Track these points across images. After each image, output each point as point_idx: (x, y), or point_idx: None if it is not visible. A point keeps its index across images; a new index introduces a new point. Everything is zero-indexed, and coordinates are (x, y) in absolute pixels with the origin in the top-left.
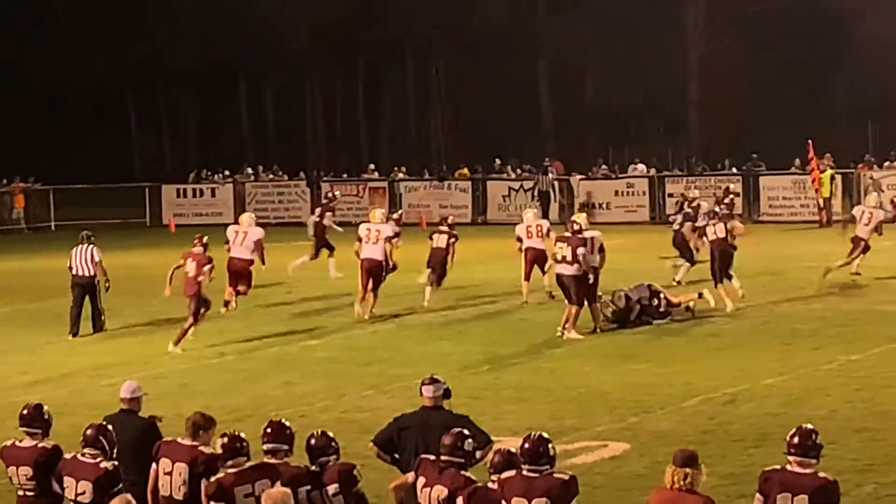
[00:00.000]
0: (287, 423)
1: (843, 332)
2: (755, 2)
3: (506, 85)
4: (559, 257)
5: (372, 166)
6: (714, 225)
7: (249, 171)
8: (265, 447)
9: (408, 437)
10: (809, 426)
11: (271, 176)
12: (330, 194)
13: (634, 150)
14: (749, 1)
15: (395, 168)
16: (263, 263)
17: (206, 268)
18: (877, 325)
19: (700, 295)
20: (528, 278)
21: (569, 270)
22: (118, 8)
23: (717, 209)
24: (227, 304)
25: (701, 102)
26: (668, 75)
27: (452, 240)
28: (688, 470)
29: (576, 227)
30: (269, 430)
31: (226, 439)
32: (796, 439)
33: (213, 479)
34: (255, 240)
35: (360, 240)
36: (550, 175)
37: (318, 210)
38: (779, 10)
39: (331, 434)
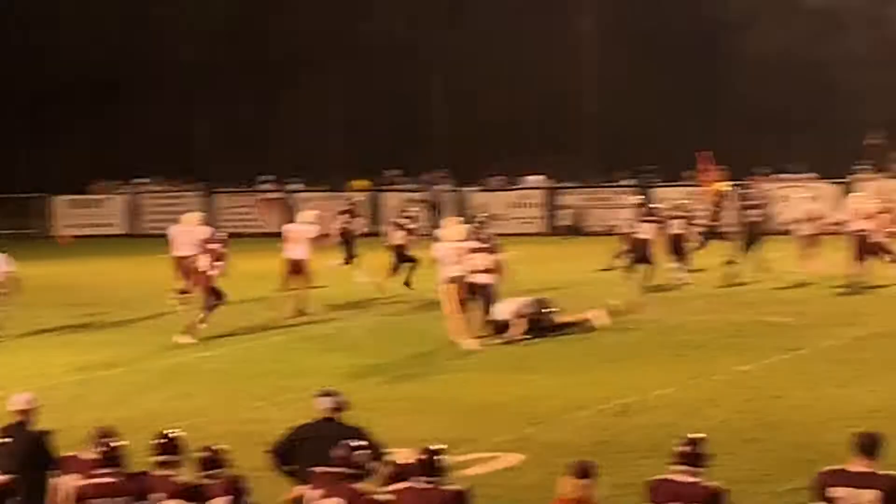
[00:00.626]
0: (177, 435)
1: (733, 342)
2: (648, 16)
3: (400, 96)
4: (477, 267)
5: (266, 177)
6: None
7: (143, 181)
8: (156, 459)
9: (303, 449)
10: (698, 435)
11: (165, 186)
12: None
13: (529, 162)
14: (642, 14)
15: (289, 179)
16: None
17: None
18: (766, 335)
19: (587, 320)
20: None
21: (484, 279)
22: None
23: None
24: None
25: (595, 115)
26: (563, 88)
27: (412, 236)
28: (583, 481)
29: (484, 235)
30: (159, 442)
31: (104, 448)
32: (685, 449)
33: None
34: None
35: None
36: (443, 186)
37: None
38: (670, 23)
39: (221, 446)
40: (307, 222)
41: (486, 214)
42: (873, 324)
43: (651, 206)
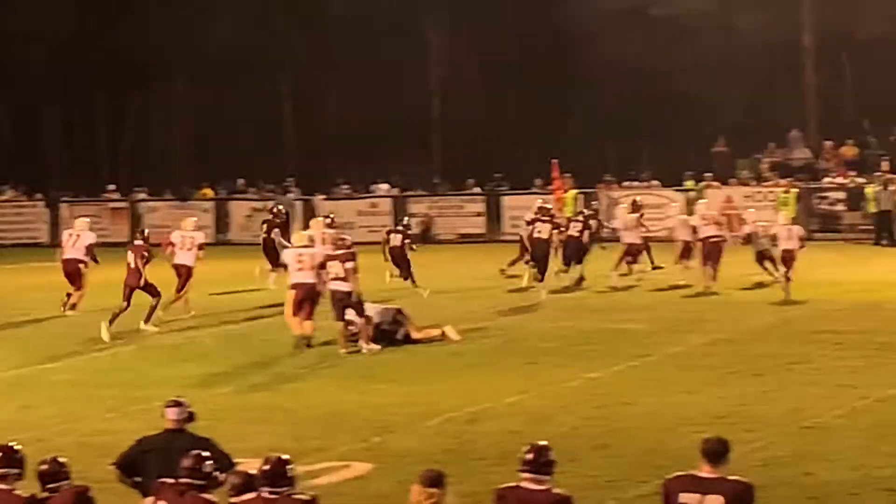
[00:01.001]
0: (17, 447)
1: (583, 350)
2: (496, 22)
3: (248, 105)
4: (333, 275)
5: (112, 186)
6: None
7: None
8: None
9: (150, 461)
10: (542, 443)
11: (9, 195)
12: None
13: (377, 170)
14: (490, 23)
15: (136, 188)
16: (96, 262)
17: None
18: (616, 343)
19: (443, 334)
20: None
21: (343, 287)
22: None
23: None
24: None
25: (444, 123)
26: (411, 96)
27: (408, 240)
28: (433, 490)
29: (341, 242)
30: None
31: None
32: (530, 456)
33: None
34: (87, 244)
35: (173, 245)
36: (290, 195)
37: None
38: (520, 31)
39: (62, 459)
40: (192, 230)
41: (330, 217)
42: (718, 330)
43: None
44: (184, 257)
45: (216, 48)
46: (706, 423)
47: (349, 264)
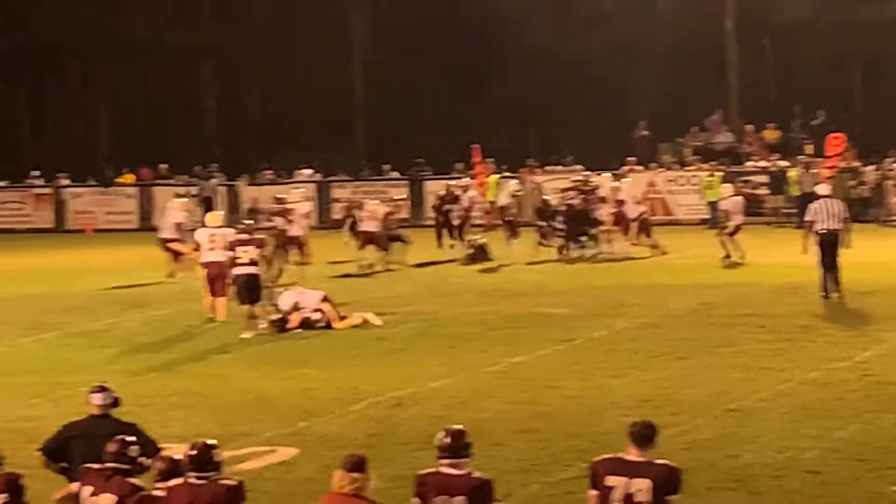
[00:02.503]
0: None
1: (506, 334)
2: (416, 8)
3: (170, 90)
4: (245, 260)
5: (37, 172)
6: None
7: None
8: None
9: (76, 446)
10: (457, 427)
11: None
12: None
13: (300, 156)
14: (412, 7)
15: (59, 174)
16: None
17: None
18: (539, 327)
19: (364, 321)
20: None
21: (251, 271)
22: None
23: None
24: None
25: (366, 108)
26: (333, 80)
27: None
28: (356, 475)
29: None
30: None
31: None
32: (446, 441)
33: None
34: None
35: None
36: (213, 181)
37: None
38: (441, 16)
39: None
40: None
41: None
42: (642, 314)
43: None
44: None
45: (136, 32)
46: (631, 407)
47: (260, 250)
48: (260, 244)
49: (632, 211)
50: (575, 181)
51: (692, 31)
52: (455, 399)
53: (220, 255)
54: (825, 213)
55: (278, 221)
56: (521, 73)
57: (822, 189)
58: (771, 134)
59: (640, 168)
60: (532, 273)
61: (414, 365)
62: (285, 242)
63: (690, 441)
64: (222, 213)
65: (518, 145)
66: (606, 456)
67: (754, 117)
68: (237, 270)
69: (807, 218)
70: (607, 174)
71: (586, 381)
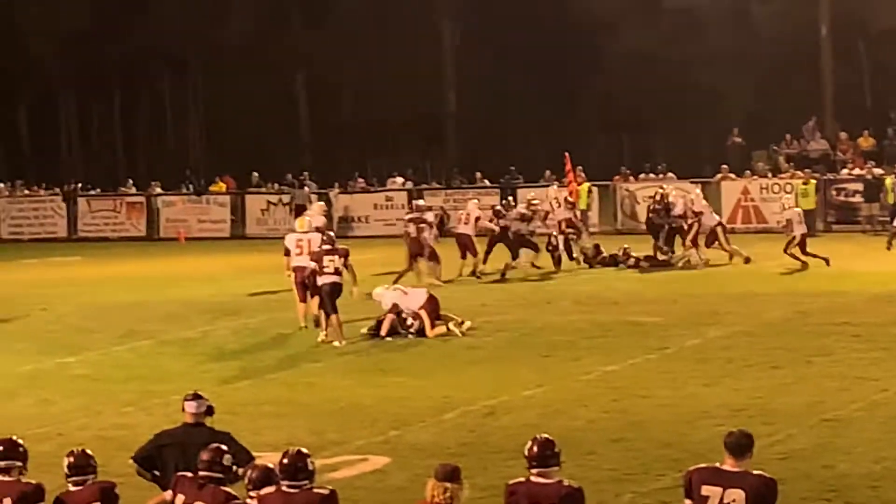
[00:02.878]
0: (20, 441)
1: (599, 342)
2: (510, 16)
3: (263, 98)
4: (330, 269)
5: (130, 181)
6: None
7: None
8: None
9: (168, 454)
10: (544, 436)
11: (26, 192)
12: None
13: (392, 164)
14: (504, 15)
15: (152, 182)
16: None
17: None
18: (632, 335)
19: (448, 331)
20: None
21: (335, 279)
22: None
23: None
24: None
25: (458, 116)
26: (426, 89)
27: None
28: (448, 484)
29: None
30: (0, 448)
31: None
32: (534, 450)
33: None
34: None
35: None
36: (307, 189)
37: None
38: (533, 24)
39: (89, 452)
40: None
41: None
42: (736, 323)
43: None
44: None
45: (230, 43)
46: (724, 416)
47: (344, 259)
48: (345, 254)
49: (709, 220)
50: (649, 197)
51: (787, 37)
52: (547, 408)
53: (309, 261)
54: None
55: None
56: (614, 80)
57: None
58: (866, 141)
59: (733, 175)
60: (626, 281)
61: (506, 373)
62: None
63: (785, 451)
64: (309, 219)
65: (611, 153)
66: (702, 465)
67: (849, 124)
68: (322, 280)
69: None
70: (690, 185)
71: (679, 389)
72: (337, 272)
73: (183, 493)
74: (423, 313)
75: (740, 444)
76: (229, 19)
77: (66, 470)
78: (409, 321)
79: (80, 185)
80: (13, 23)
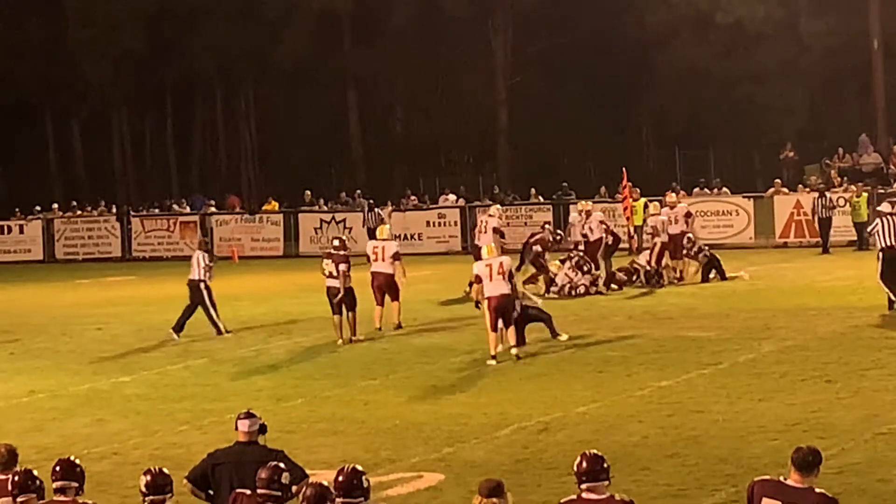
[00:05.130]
0: (77, 461)
1: (653, 358)
2: (561, 33)
3: (315, 117)
4: (326, 273)
5: (183, 200)
6: None
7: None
8: (55, 485)
9: (222, 473)
10: (594, 451)
11: (79, 212)
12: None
13: (444, 181)
14: (555, 32)
15: (207, 201)
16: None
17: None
18: (686, 351)
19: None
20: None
21: (335, 284)
22: None
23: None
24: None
25: (510, 132)
26: (477, 106)
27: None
28: (494, 500)
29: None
30: (57, 468)
31: (16, 477)
32: (584, 465)
33: None
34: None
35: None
36: (377, 211)
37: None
38: (584, 40)
39: (166, 471)
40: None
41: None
42: (789, 337)
43: None
44: (381, 266)
45: (282, 63)
46: (779, 431)
47: (342, 266)
48: (341, 260)
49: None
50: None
51: (839, 51)
52: (602, 424)
53: (387, 267)
54: None
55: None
56: (666, 95)
57: None
58: None
59: (786, 190)
60: (679, 296)
61: (561, 390)
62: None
63: (840, 465)
64: (389, 226)
65: (665, 168)
66: (767, 477)
67: None
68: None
69: None
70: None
71: (733, 404)
72: (334, 277)
73: None
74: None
75: (807, 461)
76: (281, 39)
77: (142, 489)
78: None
79: (131, 205)
80: (68, 44)
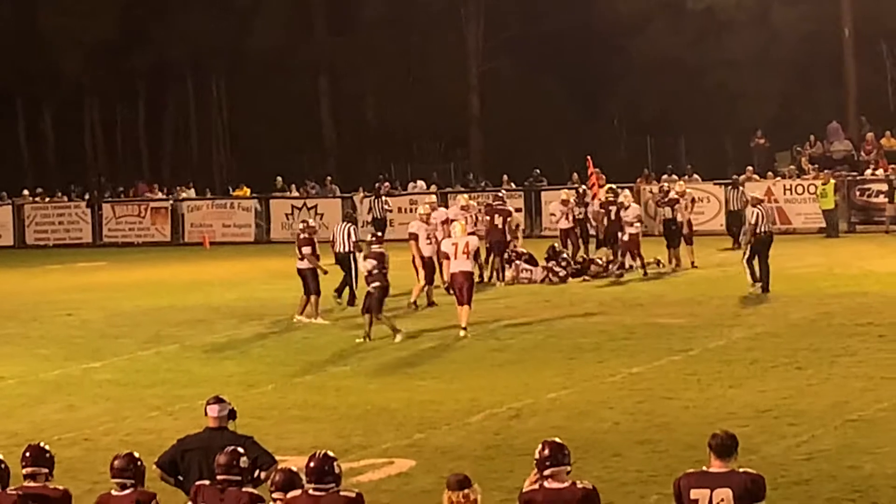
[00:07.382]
0: (46, 447)
1: (624, 345)
2: (533, 20)
3: (286, 104)
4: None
5: (155, 186)
6: None
7: (26, 192)
8: (24, 471)
9: (192, 459)
10: (555, 440)
11: (48, 199)
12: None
13: (416, 168)
14: (527, 18)
15: (179, 187)
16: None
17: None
18: (657, 338)
19: None
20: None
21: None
22: None
23: None
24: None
25: (481, 120)
26: (449, 93)
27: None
28: (466, 491)
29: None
30: (27, 454)
31: None
32: (545, 452)
33: None
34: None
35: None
36: (384, 199)
37: None
38: (556, 27)
39: (136, 455)
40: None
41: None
42: (759, 324)
43: None
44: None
45: (253, 50)
46: (749, 417)
47: (305, 248)
48: (304, 243)
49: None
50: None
51: (810, 39)
52: (573, 410)
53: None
54: None
55: None
56: (638, 82)
57: None
58: (889, 142)
59: (757, 177)
60: (649, 284)
61: (532, 376)
62: None
63: (809, 451)
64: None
65: (636, 155)
66: (689, 471)
67: (873, 125)
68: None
69: None
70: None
71: (703, 391)
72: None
73: (204, 500)
74: None
75: (725, 445)
76: (253, 27)
77: (111, 471)
78: None
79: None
80: (39, 31)
